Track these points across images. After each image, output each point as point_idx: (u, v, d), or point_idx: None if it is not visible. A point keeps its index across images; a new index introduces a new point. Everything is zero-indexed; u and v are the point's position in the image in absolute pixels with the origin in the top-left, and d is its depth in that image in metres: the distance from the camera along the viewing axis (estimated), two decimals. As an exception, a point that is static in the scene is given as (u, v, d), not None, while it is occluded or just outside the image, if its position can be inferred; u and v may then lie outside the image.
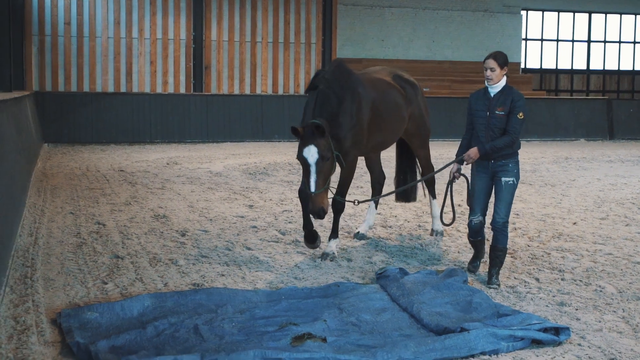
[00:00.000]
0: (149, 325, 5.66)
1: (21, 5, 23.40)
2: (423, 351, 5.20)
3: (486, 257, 7.87)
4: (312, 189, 7.27)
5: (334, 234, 8.35)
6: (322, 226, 9.77)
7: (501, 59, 7.08)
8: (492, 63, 7.03)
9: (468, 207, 7.60)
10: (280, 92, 26.43)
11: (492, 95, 7.08)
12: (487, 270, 7.34)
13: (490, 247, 7.26)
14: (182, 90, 25.39)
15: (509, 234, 9.63)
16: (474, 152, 7.09)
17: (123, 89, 24.77)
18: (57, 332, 5.66)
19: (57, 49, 24.24)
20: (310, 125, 7.39)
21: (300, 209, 8.54)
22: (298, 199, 9.04)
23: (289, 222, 10.34)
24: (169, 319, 5.81)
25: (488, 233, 8.09)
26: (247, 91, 26.01)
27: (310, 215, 7.91)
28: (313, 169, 7.28)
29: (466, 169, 7.66)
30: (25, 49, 23.63)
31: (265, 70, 26.20)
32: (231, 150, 21.53)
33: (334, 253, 8.21)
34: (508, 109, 6.98)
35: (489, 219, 7.55)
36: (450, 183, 7.52)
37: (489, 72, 7.03)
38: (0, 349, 5.23)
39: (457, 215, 7.51)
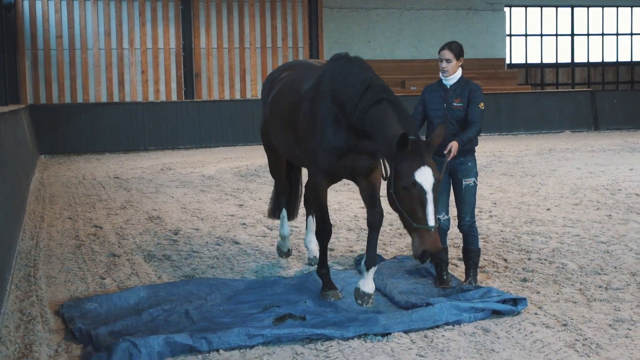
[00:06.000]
0: (144, 312, 6.24)
1: (13, 21, 23.95)
2: (392, 324, 5.77)
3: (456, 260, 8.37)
4: (432, 222, 5.57)
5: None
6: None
7: (457, 50, 6.83)
8: (447, 54, 6.79)
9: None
10: (270, 96, 26.92)
11: (447, 87, 6.86)
12: (464, 272, 7.12)
13: (463, 249, 7.08)
14: (174, 97, 25.92)
15: (485, 222, 10.23)
16: (455, 146, 6.51)
17: (116, 99, 25.29)
18: (61, 322, 6.22)
19: (50, 62, 24.77)
20: (418, 141, 5.74)
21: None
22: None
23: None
24: (162, 306, 6.38)
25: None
26: (238, 96, 26.55)
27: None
28: (431, 197, 5.61)
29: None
30: (19, 63, 24.18)
31: (255, 75, 26.75)
32: (223, 155, 22.05)
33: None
34: (467, 100, 6.77)
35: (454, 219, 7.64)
36: None
37: (444, 64, 6.79)
38: (9, 336, 5.78)
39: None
